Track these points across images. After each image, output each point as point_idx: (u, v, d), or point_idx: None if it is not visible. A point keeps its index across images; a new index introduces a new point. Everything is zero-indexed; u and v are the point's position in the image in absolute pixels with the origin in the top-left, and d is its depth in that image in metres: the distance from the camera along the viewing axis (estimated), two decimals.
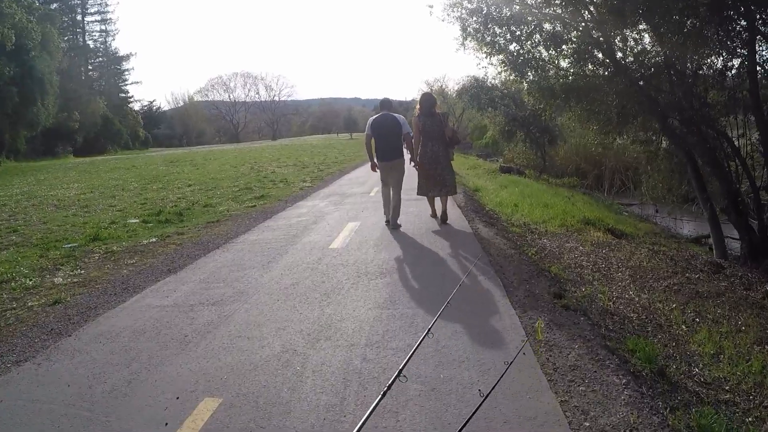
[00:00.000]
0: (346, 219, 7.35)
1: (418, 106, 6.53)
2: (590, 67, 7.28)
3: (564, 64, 7.41)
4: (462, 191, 10.05)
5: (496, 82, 18.61)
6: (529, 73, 7.31)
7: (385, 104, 6.46)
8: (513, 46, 7.12)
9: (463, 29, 7.20)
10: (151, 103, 70.86)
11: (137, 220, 8.19)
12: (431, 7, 7.53)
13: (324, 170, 17.43)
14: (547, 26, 6.85)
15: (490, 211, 8.15)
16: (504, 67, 7.49)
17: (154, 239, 6.62)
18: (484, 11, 6.84)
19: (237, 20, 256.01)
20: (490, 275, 4.15)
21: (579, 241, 6.33)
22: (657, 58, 6.97)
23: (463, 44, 7.60)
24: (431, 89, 49.62)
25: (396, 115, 6.35)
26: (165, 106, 76.33)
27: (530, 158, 20.06)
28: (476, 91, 19.24)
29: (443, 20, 7.41)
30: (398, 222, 6.49)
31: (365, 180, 13.09)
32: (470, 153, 35.17)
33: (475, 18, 6.95)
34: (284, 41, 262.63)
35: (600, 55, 6.75)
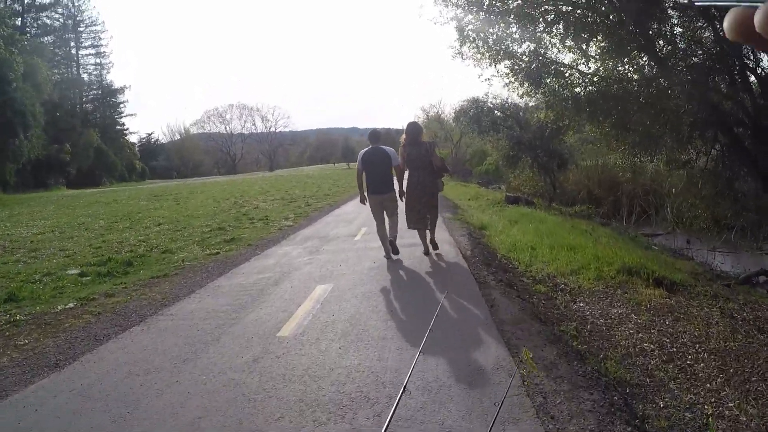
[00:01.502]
0: (316, 278, 5.66)
1: (404, 136, 6.30)
2: (620, 68, 5.73)
3: (587, 68, 5.84)
4: (467, 231, 8.43)
5: (498, 101, 17.17)
6: (545, 82, 5.64)
7: (374, 137, 6.32)
8: (524, 47, 5.49)
9: (460, 30, 5.57)
10: (149, 135, 70.55)
11: (76, 272, 6.99)
12: (421, 7, 6.05)
13: (312, 205, 15.89)
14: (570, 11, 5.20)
15: (503, 258, 6.49)
16: (513, 76, 5.87)
17: (72, 304, 5.30)
18: (486, 3, 5.21)
19: (232, 52, 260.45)
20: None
21: (627, 303, 4.69)
22: (700, 53, 5.46)
23: (459, 52, 6.08)
24: (428, 116, 48.92)
25: (386, 148, 6.23)
26: (163, 138, 76.13)
27: (538, 185, 18.29)
28: (476, 113, 17.70)
29: (436, 22, 5.89)
30: (396, 245, 6.40)
31: (354, 217, 11.46)
32: (470, 180, 33.64)
33: (473, 14, 5.33)
34: (280, 72, 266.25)
35: (643, 55, 5.08)
